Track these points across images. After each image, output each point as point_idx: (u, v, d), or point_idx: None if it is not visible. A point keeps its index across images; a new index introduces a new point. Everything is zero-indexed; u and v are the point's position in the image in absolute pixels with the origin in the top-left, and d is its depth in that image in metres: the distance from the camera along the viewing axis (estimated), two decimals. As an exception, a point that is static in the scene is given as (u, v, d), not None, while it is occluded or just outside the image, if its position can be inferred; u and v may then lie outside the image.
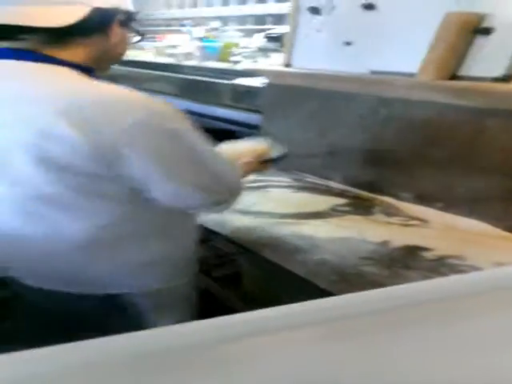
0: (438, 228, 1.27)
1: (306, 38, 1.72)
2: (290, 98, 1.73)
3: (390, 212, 1.37)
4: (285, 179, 1.62)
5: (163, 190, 0.88)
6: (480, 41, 1.29)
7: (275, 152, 1.21)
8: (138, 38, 1.03)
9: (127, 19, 0.94)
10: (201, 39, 2.54)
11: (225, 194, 0.97)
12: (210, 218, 1.23)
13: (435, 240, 1.19)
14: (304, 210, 1.36)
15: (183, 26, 2.63)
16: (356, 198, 1.48)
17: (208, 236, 1.21)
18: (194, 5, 2.78)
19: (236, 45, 2.44)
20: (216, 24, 2.57)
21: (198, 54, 2.51)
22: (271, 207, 1.37)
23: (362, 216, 1.33)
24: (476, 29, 1.28)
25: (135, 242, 0.92)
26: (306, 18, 1.72)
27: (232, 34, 2.48)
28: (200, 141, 0.91)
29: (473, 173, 1.29)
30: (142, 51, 2.85)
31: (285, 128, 1.74)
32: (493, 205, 1.26)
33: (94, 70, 0.91)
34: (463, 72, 1.32)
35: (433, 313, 0.44)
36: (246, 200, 1.33)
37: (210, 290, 1.20)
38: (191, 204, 0.95)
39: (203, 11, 2.72)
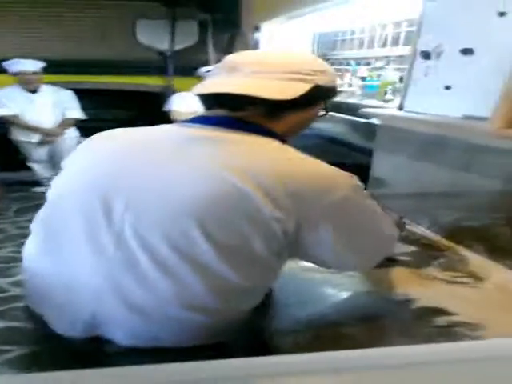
0: (487, 289, 1.16)
1: (417, 82, 1.71)
2: (394, 139, 1.74)
3: (449, 265, 1.29)
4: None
5: (335, 258, 0.94)
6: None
7: None
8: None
9: (331, 96, 1.05)
10: (363, 78, 2.63)
11: (381, 258, 1.04)
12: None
13: (470, 303, 1.10)
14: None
15: (349, 65, 2.77)
16: (428, 246, 1.42)
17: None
18: (362, 46, 2.87)
19: (392, 83, 2.46)
20: (379, 64, 2.62)
21: (359, 92, 2.62)
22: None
23: (414, 268, 1.27)
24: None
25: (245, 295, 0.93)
26: (419, 62, 1.70)
27: (391, 73, 2.50)
28: (377, 209, 0.98)
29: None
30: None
31: (388, 168, 1.77)
32: None
33: (286, 138, 0.99)
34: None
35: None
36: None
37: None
38: (350, 268, 1.05)
39: (366, 52, 2.80)
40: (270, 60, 0.97)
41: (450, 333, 0.99)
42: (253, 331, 1.02)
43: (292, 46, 3.35)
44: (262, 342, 0.99)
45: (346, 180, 0.90)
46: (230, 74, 0.96)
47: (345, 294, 1.15)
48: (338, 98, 2.72)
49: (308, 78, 0.95)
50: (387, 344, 0.95)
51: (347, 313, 1.08)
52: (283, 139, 0.98)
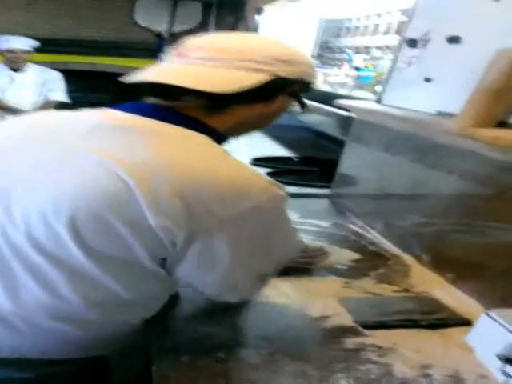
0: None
1: (399, 73, 1.51)
2: (365, 135, 1.57)
3: (387, 277, 1.13)
4: (323, 223, 1.44)
5: (222, 280, 0.80)
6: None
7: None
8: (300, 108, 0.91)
9: (300, 90, 0.87)
10: (357, 68, 2.43)
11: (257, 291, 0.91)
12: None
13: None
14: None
15: (345, 53, 2.55)
16: (375, 254, 1.25)
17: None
18: (364, 34, 2.66)
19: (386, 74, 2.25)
20: (378, 53, 2.41)
21: (352, 82, 2.41)
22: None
23: (348, 279, 1.10)
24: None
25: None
26: (404, 51, 1.51)
27: (388, 63, 2.29)
28: (285, 233, 0.85)
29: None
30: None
31: (354, 166, 1.62)
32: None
33: (231, 136, 0.87)
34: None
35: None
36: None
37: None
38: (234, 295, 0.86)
39: (363, 40, 2.60)
40: (220, 45, 0.82)
41: (354, 358, 0.83)
42: (137, 347, 0.87)
43: (293, 31, 3.11)
44: (146, 359, 0.83)
45: (259, 192, 0.75)
46: (173, 60, 0.84)
47: (256, 308, 0.97)
48: (327, 89, 2.54)
49: (263, 67, 0.79)
50: (277, 372, 0.78)
51: (248, 331, 0.93)
52: (224, 137, 0.84)
